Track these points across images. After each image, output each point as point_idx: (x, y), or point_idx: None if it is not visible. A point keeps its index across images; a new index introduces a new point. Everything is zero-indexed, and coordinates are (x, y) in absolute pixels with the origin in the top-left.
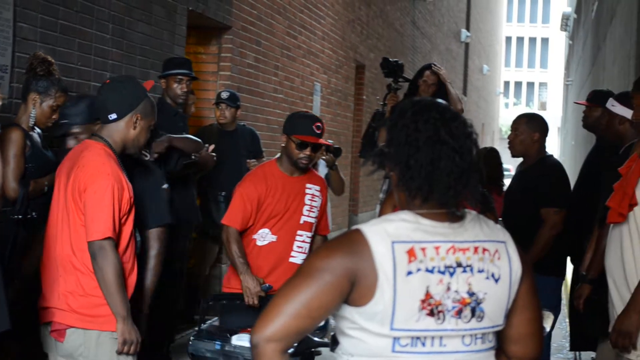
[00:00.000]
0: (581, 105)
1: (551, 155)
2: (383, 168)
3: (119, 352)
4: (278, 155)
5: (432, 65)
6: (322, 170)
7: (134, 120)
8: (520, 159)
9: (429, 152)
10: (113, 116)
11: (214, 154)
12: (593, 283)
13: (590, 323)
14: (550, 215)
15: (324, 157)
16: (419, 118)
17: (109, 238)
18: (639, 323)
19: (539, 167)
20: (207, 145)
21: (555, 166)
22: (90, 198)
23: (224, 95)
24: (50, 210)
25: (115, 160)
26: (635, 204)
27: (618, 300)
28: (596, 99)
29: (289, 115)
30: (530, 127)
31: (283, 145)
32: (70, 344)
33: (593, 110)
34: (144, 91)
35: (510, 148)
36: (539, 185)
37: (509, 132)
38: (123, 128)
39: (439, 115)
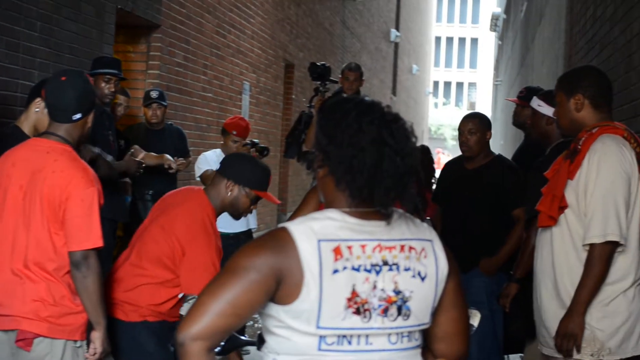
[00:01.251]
0: (512, 103)
1: (500, 155)
2: (310, 168)
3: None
4: (206, 189)
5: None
6: None
7: (90, 118)
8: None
9: (374, 153)
10: (77, 116)
11: (140, 160)
12: (520, 282)
13: (514, 323)
14: (523, 215)
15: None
16: (363, 119)
17: (95, 248)
18: (582, 325)
19: (498, 167)
20: (132, 149)
21: (514, 166)
22: (77, 206)
23: (154, 94)
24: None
25: None
26: (566, 207)
27: (548, 303)
28: (528, 97)
29: (235, 159)
30: (484, 126)
31: (229, 190)
32: (37, 353)
33: (525, 109)
34: (94, 88)
35: (465, 149)
36: (505, 186)
37: (458, 134)
38: (80, 127)
39: (382, 116)
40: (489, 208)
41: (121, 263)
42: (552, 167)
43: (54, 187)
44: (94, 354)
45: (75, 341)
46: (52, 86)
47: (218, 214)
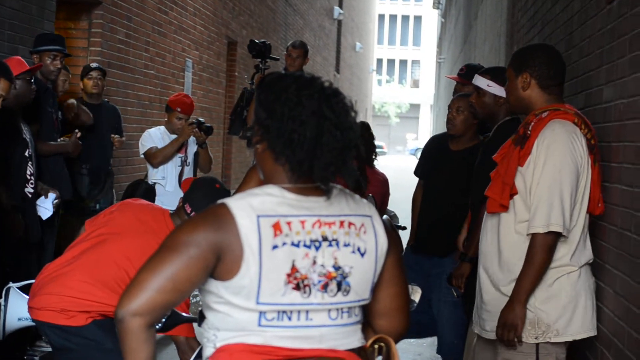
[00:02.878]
0: (453, 80)
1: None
2: (251, 144)
3: None
4: (171, 216)
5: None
6: (192, 147)
7: None
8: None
9: (313, 127)
10: None
11: (80, 141)
12: (472, 262)
13: (467, 304)
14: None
15: (195, 135)
16: (302, 93)
17: None
18: (523, 316)
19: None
20: (75, 131)
21: None
22: None
23: (94, 64)
24: None
25: None
26: (516, 194)
27: (489, 288)
28: (469, 74)
29: (197, 187)
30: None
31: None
32: None
33: (465, 86)
34: None
35: (450, 126)
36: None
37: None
38: None
39: (321, 90)
40: (464, 192)
41: (62, 267)
42: (500, 151)
43: None
44: None
45: None
46: None
47: None
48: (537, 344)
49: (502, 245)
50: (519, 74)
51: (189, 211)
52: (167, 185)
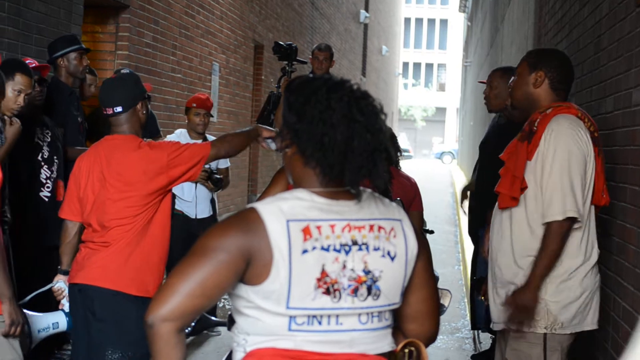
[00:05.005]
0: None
1: None
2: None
3: (6, 334)
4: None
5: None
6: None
7: None
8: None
9: (344, 130)
10: None
11: None
12: None
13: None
14: None
15: (202, 184)
16: (332, 96)
17: None
18: (536, 299)
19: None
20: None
21: None
22: None
23: (126, 71)
24: None
25: None
26: (526, 187)
27: (502, 282)
28: None
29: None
30: (506, 80)
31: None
32: None
33: None
34: None
35: (486, 103)
36: None
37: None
38: None
39: (351, 94)
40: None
41: None
42: (506, 150)
43: None
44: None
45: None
46: None
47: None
48: (545, 334)
49: (514, 239)
50: (533, 70)
51: (110, 112)
52: (185, 195)
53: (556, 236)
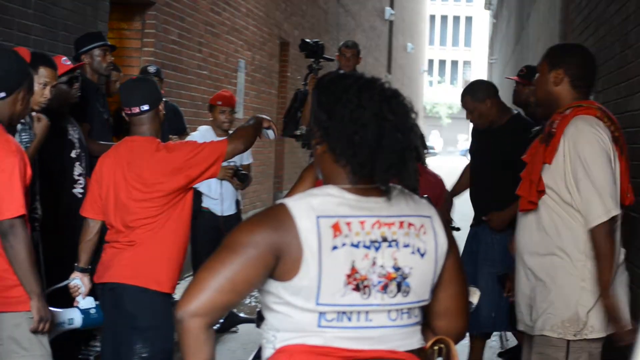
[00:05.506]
0: (510, 81)
1: (518, 113)
2: (306, 145)
3: (34, 330)
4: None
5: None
6: (242, 158)
7: (21, 96)
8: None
9: (374, 129)
10: (1, 94)
11: None
12: None
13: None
14: None
15: (228, 180)
16: (363, 94)
17: (20, 216)
18: (614, 304)
19: (512, 126)
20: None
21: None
22: None
23: (152, 69)
24: None
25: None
26: (543, 190)
27: (527, 282)
28: (529, 75)
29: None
30: (478, 99)
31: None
32: None
33: (525, 87)
34: (27, 65)
35: (475, 126)
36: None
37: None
38: (9, 106)
39: (382, 92)
40: (501, 166)
41: None
42: (529, 151)
43: None
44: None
45: (28, 312)
46: None
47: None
48: (568, 340)
49: (537, 240)
50: (553, 68)
51: (128, 112)
52: (212, 192)
53: (606, 237)
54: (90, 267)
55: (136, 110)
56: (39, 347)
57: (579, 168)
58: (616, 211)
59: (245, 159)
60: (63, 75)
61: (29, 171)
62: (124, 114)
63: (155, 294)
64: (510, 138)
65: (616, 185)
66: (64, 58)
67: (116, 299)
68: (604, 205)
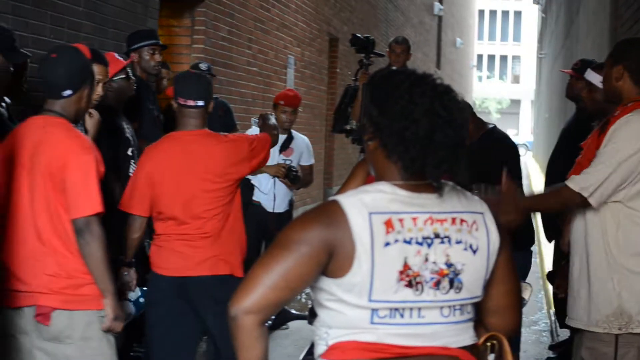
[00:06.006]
0: (561, 75)
1: (495, 126)
2: (356, 142)
3: (107, 329)
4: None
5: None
6: (300, 155)
7: (86, 93)
8: None
9: (426, 125)
10: (68, 92)
11: None
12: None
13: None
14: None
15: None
16: (415, 90)
17: (96, 214)
18: None
19: (490, 140)
20: None
21: (506, 138)
22: (74, 174)
23: (204, 66)
24: (8, 192)
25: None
26: None
27: (580, 274)
28: (582, 69)
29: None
30: None
31: None
32: (56, 327)
33: (578, 81)
34: (90, 61)
35: None
36: (497, 160)
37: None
38: (75, 103)
39: (434, 88)
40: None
41: None
42: (588, 139)
43: (52, 158)
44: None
45: (99, 310)
46: (44, 63)
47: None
48: (617, 335)
49: (588, 230)
50: (614, 64)
51: (182, 102)
52: (262, 187)
53: (564, 202)
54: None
55: (191, 103)
56: (108, 346)
57: (604, 145)
58: (585, 192)
59: (304, 159)
60: (120, 72)
61: (101, 168)
62: (174, 102)
63: (236, 279)
64: (479, 153)
65: (616, 183)
66: (117, 55)
67: (198, 291)
68: (586, 181)
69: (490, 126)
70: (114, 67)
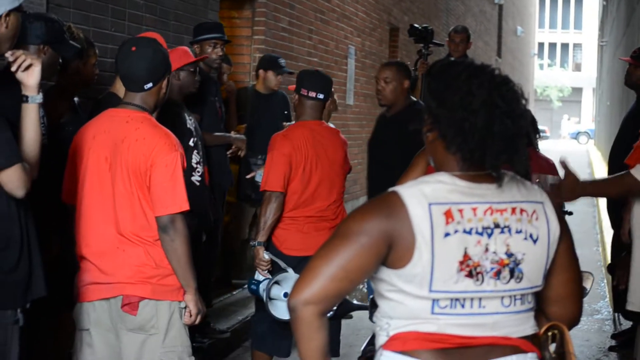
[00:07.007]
0: (622, 64)
1: (418, 101)
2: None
3: (188, 323)
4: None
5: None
6: None
7: (165, 84)
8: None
9: (484, 116)
10: (149, 85)
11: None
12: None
13: None
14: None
15: None
16: (473, 81)
17: (182, 212)
18: None
19: (412, 113)
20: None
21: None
22: (161, 172)
23: (283, 62)
24: (84, 185)
25: None
26: None
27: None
28: None
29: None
30: (401, 76)
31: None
32: (143, 317)
33: (638, 69)
34: (167, 52)
35: (379, 98)
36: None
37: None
38: (155, 94)
39: (492, 79)
40: (399, 155)
41: None
42: None
43: (138, 155)
44: (190, 316)
45: (180, 302)
46: (123, 57)
47: None
48: None
49: None
50: None
51: (305, 93)
52: None
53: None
54: None
55: (313, 95)
56: (186, 337)
57: None
58: None
59: None
60: (187, 66)
61: (184, 164)
62: (297, 94)
63: None
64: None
65: None
66: (190, 49)
67: None
68: None
69: (414, 100)
70: (182, 60)
